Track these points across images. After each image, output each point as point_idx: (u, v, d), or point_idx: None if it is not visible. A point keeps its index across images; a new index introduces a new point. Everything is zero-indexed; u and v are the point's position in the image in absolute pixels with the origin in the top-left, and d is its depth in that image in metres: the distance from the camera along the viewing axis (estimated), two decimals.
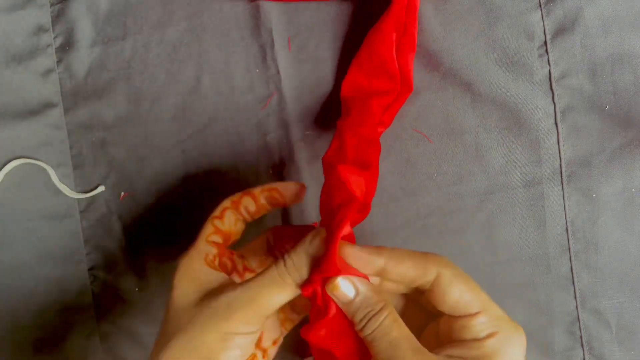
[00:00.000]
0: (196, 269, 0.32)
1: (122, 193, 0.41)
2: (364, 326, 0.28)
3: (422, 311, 0.31)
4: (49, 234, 0.42)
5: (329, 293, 0.28)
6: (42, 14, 0.40)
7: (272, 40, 0.39)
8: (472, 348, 0.28)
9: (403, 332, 0.28)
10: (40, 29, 0.41)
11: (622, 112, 0.38)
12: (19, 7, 0.40)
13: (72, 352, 0.43)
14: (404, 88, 0.37)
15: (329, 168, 0.33)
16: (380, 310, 0.28)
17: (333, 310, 0.29)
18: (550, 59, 0.38)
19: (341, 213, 0.30)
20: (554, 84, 0.38)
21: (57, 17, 0.40)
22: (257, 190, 0.35)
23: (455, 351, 0.28)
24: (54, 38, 0.41)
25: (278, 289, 0.29)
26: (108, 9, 0.40)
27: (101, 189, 0.41)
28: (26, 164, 0.41)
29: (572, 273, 0.40)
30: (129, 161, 0.41)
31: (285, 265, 0.29)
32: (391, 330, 0.28)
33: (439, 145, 0.39)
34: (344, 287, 0.28)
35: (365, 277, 0.29)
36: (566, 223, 0.39)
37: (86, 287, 0.42)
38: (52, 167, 0.41)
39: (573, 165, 0.39)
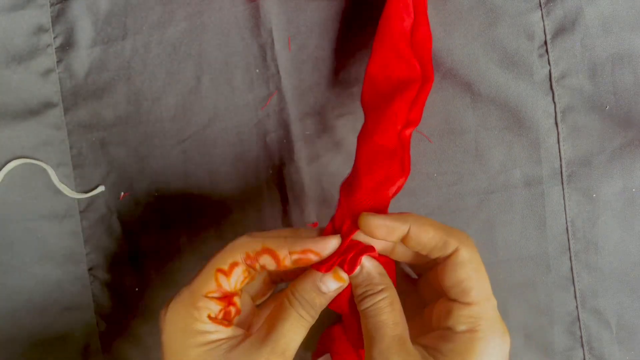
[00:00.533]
0: (201, 331, 0.28)
1: (122, 193, 0.41)
2: (360, 301, 0.29)
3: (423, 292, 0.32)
4: (49, 234, 0.42)
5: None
6: (42, 14, 0.40)
7: (272, 40, 0.39)
8: (447, 340, 0.28)
9: (392, 317, 0.28)
10: (40, 29, 0.41)
11: (623, 112, 0.38)
12: (19, 7, 0.40)
13: (72, 352, 0.43)
14: (425, 76, 0.34)
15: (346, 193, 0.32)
16: (380, 291, 0.29)
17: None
18: (551, 58, 0.38)
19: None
20: (554, 84, 0.38)
21: (57, 17, 0.40)
22: (282, 252, 0.29)
23: (432, 341, 0.28)
24: (54, 38, 0.41)
25: (302, 330, 0.29)
26: (108, 9, 0.40)
27: (101, 189, 0.41)
28: (26, 164, 0.41)
29: (572, 273, 0.40)
30: (129, 161, 0.41)
31: (300, 305, 0.29)
32: (381, 313, 0.28)
33: (439, 145, 0.39)
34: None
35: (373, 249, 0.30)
36: (566, 223, 0.39)
37: (86, 287, 0.42)
38: (52, 167, 0.41)
39: (573, 165, 0.39)
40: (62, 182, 0.41)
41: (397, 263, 0.33)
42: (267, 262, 0.29)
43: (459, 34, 0.38)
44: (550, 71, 0.38)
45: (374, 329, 0.28)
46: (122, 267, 0.42)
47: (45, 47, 0.41)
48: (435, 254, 0.29)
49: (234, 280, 0.29)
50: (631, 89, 0.38)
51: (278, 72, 0.40)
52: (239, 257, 0.29)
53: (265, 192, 0.41)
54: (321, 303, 0.30)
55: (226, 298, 0.29)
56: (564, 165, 0.39)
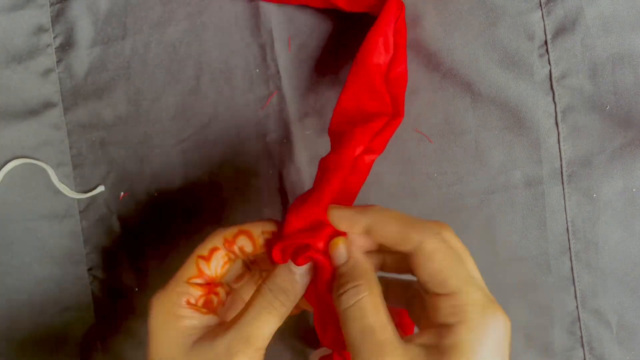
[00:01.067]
0: (178, 315, 0.29)
1: (122, 193, 0.41)
2: (340, 295, 0.27)
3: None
4: (49, 234, 0.42)
5: (330, 250, 0.28)
6: (42, 14, 0.40)
7: (272, 40, 0.39)
8: (443, 336, 0.26)
9: (378, 319, 0.26)
10: (40, 29, 0.40)
11: (623, 112, 0.38)
12: (19, 7, 0.40)
13: (71, 352, 0.43)
14: (396, 113, 0.34)
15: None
16: (359, 285, 0.27)
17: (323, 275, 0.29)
18: (551, 58, 0.38)
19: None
20: (554, 84, 0.38)
21: (57, 17, 0.40)
22: (255, 230, 0.30)
23: (430, 339, 0.27)
24: (54, 38, 0.41)
25: (270, 317, 0.29)
26: (108, 8, 0.40)
27: (101, 189, 0.41)
28: (26, 164, 0.41)
29: (572, 273, 0.40)
30: (129, 161, 0.41)
31: (270, 291, 0.29)
32: (366, 316, 0.26)
33: (439, 145, 0.39)
34: (341, 249, 0.28)
35: (344, 234, 0.29)
36: (567, 223, 0.39)
37: (86, 287, 0.42)
38: (52, 167, 0.41)
39: (573, 165, 0.39)
40: (62, 182, 0.41)
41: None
42: (244, 242, 0.30)
43: (459, 34, 0.38)
44: (550, 71, 0.38)
45: (360, 336, 0.26)
46: (121, 267, 0.42)
47: (45, 47, 0.41)
48: (400, 248, 0.28)
49: (214, 265, 0.30)
50: (631, 88, 0.38)
51: (278, 72, 0.40)
52: (218, 242, 0.30)
53: (265, 192, 0.41)
54: (295, 289, 0.29)
55: (208, 285, 0.30)
56: (564, 165, 0.39)
